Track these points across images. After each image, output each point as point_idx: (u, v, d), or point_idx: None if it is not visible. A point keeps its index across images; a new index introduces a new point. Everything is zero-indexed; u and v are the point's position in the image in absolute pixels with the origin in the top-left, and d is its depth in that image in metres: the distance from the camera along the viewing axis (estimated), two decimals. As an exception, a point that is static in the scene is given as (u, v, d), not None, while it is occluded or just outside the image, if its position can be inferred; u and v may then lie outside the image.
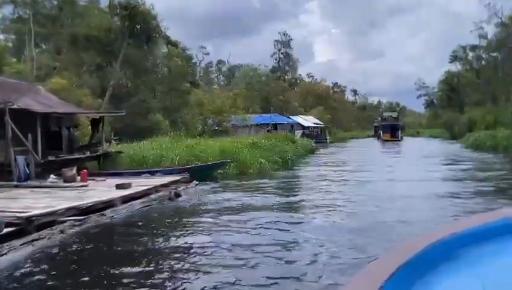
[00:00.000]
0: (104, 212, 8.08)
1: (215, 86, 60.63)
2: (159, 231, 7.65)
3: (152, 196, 9.81)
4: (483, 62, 58.51)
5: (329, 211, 9.39)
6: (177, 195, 10.43)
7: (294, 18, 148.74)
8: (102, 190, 10.42)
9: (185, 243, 6.78)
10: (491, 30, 51.51)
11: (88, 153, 16.92)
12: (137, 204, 9.15)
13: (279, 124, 45.39)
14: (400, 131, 62.13)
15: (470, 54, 60.45)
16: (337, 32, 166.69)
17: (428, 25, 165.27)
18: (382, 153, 33.00)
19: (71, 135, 18.03)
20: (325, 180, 15.37)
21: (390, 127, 62.21)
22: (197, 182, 12.60)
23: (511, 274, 1.37)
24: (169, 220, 8.72)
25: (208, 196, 11.34)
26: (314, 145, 35.26)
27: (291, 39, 79.18)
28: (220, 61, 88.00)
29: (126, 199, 9.26)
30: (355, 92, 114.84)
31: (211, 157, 16.53)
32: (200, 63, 73.26)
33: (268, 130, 38.62)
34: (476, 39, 55.48)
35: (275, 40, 78.58)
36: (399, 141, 57.22)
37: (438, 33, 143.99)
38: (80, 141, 18.78)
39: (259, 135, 29.77)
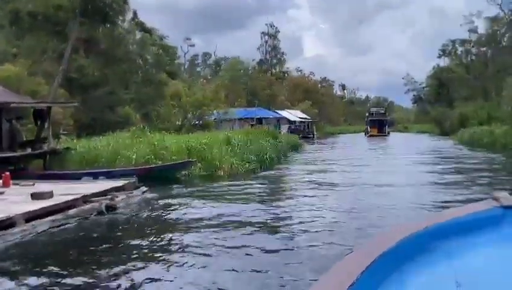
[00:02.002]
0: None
1: (201, 80, 57.95)
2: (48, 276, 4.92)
3: (71, 212, 7.34)
4: (473, 57, 57.31)
5: (302, 221, 7.61)
6: (111, 208, 7.99)
7: (283, 12, 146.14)
8: (13, 200, 7.97)
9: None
10: (481, 24, 50.20)
11: (29, 150, 14.41)
12: (43, 224, 6.69)
13: (264, 118, 43.43)
14: (386, 126, 61.76)
15: (460, 49, 59.29)
16: (325, 27, 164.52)
17: (416, 21, 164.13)
18: (369, 150, 30.68)
19: (13, 129, 15.48)
20: (304, 183, 13.10)
21: (377, 122, 61.50)
22: (146, 189, 10.12)
23: (484, 264, 1.43)
24: (77, 254, 5.94)
25: (155, 208, 8.86)
26: (299, 141, 33.00)
27: (279, 31, 76.80)
28: (206, 54, 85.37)
29: (33, 216, 6.84)
30: (343, 86, 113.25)
31: (175, 155, 14.19)
32: (185, 55, 70.49)
33: (252, 125, 36.34)
34: (465, 34, 54.40)
35: (262, 32, 76.11)
36: (386, 136, 56.55)
37: (427, 29, 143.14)
38: (25, 136, 16.20)
39: (242, 130, 27.45)
